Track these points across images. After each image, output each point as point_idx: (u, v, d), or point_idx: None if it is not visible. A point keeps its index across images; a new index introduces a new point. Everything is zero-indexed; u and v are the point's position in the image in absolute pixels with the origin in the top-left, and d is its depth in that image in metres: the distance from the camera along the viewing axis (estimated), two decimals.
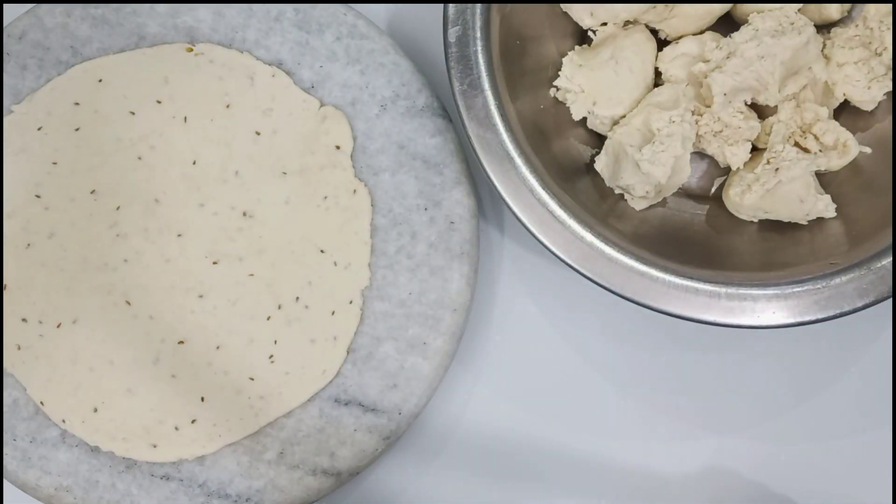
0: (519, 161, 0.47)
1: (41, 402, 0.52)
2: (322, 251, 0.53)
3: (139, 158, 0.53)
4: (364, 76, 0.54)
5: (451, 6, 0.48)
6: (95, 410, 0.52)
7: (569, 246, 0.47)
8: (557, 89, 0.52)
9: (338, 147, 0.53)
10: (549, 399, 0.56)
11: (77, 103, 0.54)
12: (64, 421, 0.52)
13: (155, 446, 0.52)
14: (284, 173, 0.53)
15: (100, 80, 0.54)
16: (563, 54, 0.52)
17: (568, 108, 0.52)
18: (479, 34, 0.48)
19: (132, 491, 0.52)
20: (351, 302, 0.53)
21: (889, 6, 0.50)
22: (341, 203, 0.53)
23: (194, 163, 0.53)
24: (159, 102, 0.53)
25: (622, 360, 0.56)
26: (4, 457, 0.52)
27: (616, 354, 0.56)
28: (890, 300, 0.47)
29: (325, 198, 0.53)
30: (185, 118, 0.53)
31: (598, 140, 0.53)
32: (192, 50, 0.54)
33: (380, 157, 0.53)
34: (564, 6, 0.52)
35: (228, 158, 0.53)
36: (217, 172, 0.53)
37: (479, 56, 0.48)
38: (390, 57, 0.53)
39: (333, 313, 0.53)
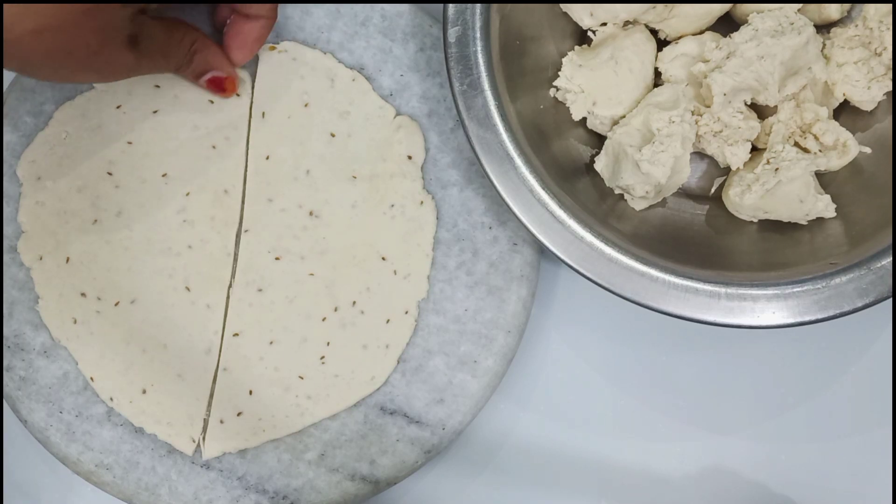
0: (519, 161, 0.48)
1: (91, 378, 0.53)
2: (383, 258, 0.53)
3: (213, 147, 0.54)
4: (443, 89, 0.54)
5: (451, 6, 0.48)
6: (144, 392, 0.53)
7: (569, 246, 0.47)
8: (557, 89, 0.52)
9: (409, 157, 0.54)
10: (552, 399, 0.56)
11: (158, 86, 0.54)
12: (111, 399, 0.53)
13: (193, 440, 0.53)
14: (354, 177, 0.54)
15: None
16: (563, 54, 0.52)
17: (568, 108, 0.52)
18: (478, 34, 0.48)
19: (171, 476, 0.53)
20: (406, 312, 0.53)
21: (889, 6, 0.50)
22: (407, 213, 0.54)
23: (267, 158, 0.54)
24: (238, 95, 0.54)
25: (622, 360, 0.56)
26: (49, 428, 0.53)
27: (616, 354, 0.56)
28: (890, 300, 0.47)
29: (392, 206, 0.54)
30: (263, 113, 0.54)
31: (598, 140, 0.53)
32: (275, 48, 0.54)
33: (450, 172, 0.54)
34: (564, 6, 0.52)
35: (301, 157, 0.54)
36: (289, 170, 0.54)
37: (479, 56, 0.48)
38: None
39: (388, 321, 0.53)
